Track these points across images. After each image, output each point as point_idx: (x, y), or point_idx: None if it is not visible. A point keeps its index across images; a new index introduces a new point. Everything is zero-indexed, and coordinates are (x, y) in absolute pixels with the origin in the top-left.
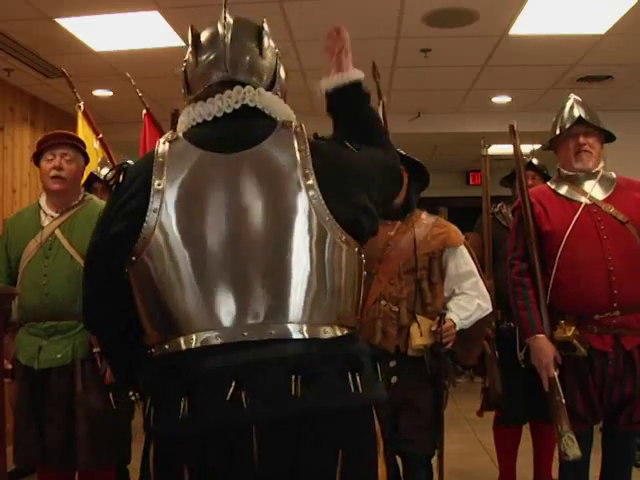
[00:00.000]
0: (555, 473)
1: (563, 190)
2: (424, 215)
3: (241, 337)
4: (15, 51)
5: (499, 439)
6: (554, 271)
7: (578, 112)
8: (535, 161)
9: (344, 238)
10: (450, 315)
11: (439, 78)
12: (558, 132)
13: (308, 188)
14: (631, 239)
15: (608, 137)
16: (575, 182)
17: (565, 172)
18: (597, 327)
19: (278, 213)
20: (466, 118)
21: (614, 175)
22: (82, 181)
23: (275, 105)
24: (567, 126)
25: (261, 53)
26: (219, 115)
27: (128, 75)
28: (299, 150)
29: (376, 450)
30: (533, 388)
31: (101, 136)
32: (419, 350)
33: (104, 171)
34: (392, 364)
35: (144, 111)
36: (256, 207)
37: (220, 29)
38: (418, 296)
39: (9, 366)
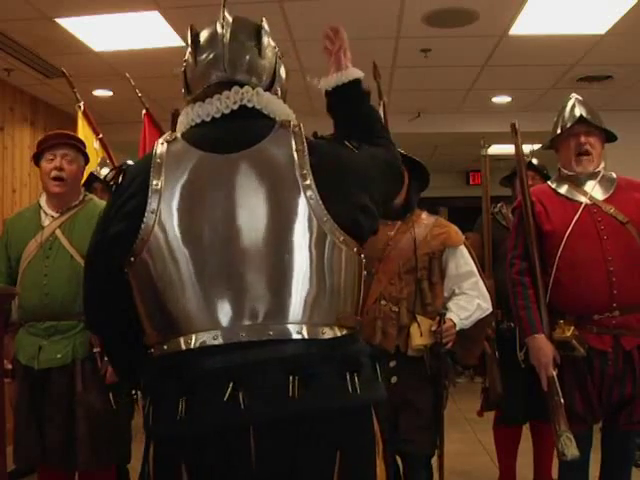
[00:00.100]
0: (555, 473)
1: (563, 190)
2: (424, 215)
3: (240, 338)
4: (15, 51)
5: (499, 439)
6: (554, 271)
7: (579, 111)
8: (535, 161)
9: (342, 239)
10: (450, 315)
11: (439, 78)
12: (559, 131)
13: (305, 188)
14: (631, 239)
15: (609, 137)
16: (575, 182)
17: (565, 172)
18: (596, 327)
19: (276, 213)
20: (466, 118)
21: (614, 175)
22: (82, 181)
23: (274, 105)
24: (568, 125)
25: (260, 52)
26: (217, 116)
27: (128, 75)
28: (296, 150)
29: (375, 450)
30: (533, 388)
31: (101, 136)
32: (419, 350)
33: (104, 171)
34: (392, 364)
35: (144, 111)
36: (254, 208)
37: (219, 28)
38: (418, 296)
39: (9, 366)
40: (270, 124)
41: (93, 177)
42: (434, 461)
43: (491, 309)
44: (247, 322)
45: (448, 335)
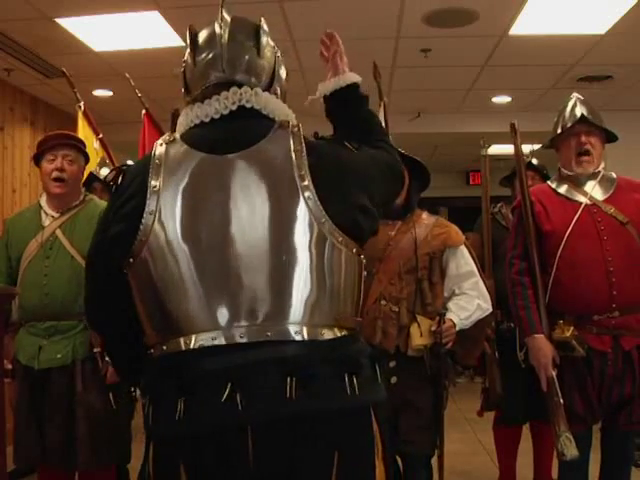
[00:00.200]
0: (555, 473)
1: (563, 190)
2: (425, 215)
3: (238, 339)
4: (15, 51)
5: (499, 439)
6: (553, 271)
7: (580, 111)
8: (535, 161)
9: (341, 239)
10: (450, 315)
11: (439, 78)
12: (560, 131)
13: (304, 189)
14: (631, 240)
15: (610, 137)
16: (575, 182)
17: (565, 172)
18: (596, 327)
19: (274, 214)
20: (466, 118)
21: (614, 175)
22: (82, 181)
23: (273, 105)
24: (569, 125)
25: (259, 52)
26: (216, 117)
27: (128, 75)
28: (295, 150)
29: (374, 452)
30: (533, 388)
31: (101, 136)
32: (419, 350)
33: (103, 171)
34: (392, 364)
35: (144, 111)
36: (252, 208)
37: (217, 29)
38: (418, 296)
39: (9, 366)
40: (269, 124)
41: (93, 177)
42: (434, 461)
43: (491, 309)
44: (246, 323)
45: (448, 335)
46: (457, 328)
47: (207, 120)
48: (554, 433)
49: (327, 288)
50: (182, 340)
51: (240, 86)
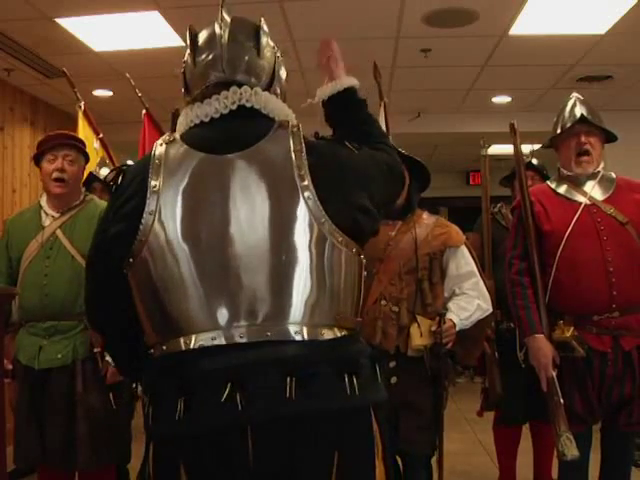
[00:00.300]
0: (555, 473)
1: (563, 190)
2: (425, 215)
3: (238, 339)
4: (15, 51)
5: (499, 439)
6: (553, 271)
7: (580, 111)
8: (535, 161)
9: (340, 239)
10: (450, 315)
11: (439, 78)
12: (559, 131)
13: (303, 189)
14: (631, 240)
15: (609, 137)
16: (575, 182)
17: (565, 172)
18: (596, 328)
19: (274, 214)
20: (466, 118)
21: (614, 175)
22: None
23: (273, 104)
24: (568, 125)
25: (259, 53)
26: (216, 116)
27: (128, 75)
28: (294, 150)
29: (374, 452)
30: (533, 388)
31: (101, 136)
32: (419, 350)
33: (103, 171)
34: (392, 364)
35: (144, 111)
36: (252, 208)
37: (217, 29)
38: (418, 296)
39: (9, 366)
40: (269, 124)
41: (92, 177)
42: (434, 461)
43: (491, 309)
44: (246, 323)
45: (448, 335)
46: (457, 328)
47: (207, 120)
48: (554, 433)
49: (327, 288)
50: (182, 340)
51: (240, 86)
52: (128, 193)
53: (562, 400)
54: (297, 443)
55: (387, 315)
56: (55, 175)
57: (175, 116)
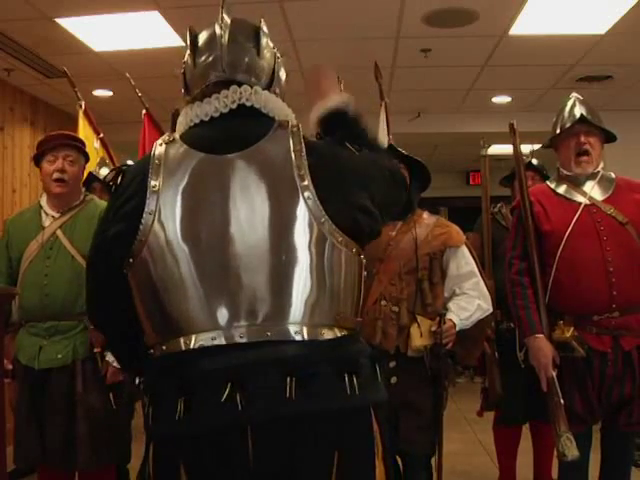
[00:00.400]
0: (555, 473)
1: (562, 190)
2: (425, 215)
3: (238, 339)
4: (15, 51)
5: (499, 439)
6: (553, 271)
7: (579, 111)
8: (535, 161)
9: (340, 239)
10: (450, 315)
11: (439, 78)
12: (559, 131)
13: (303, 189)
14: (631, 240)
15: (609, 137)
16: (575, 182)
17: (565, 172)
18: (596, 328)
19: (274, 214)
20: (466, 118)
21: (613, 175)
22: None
23: (272, 104)
24: (568, 125)
25: (259, 53)
26: (216, 115)
27: (128, 75)
28: (294, 150)
29: (374, 452)
30: (533, 388)
31: (102, 135)
32: (419, 350)
33: (103, 171)
34: (392, 365)
35: (144, 111)
36: (252, 208)
37: (217, 30)
38: (418, 296)
39: (9, 366)
40: (269, 123)
41: (92, 177)
42: (433, 461)
43: (492, 309)
44: (246, 323)
45: (448, 336)
46: (457, 328)
47: (207, 119)
48: (555, 433)
49: (327, 288)
50: (182, 340)
51: (240, 85)
52: (128, 193)
53: (562, 400)
54: (297, 443)
55: (387, 315)
56: (55, 176)
57: (175, 116)
